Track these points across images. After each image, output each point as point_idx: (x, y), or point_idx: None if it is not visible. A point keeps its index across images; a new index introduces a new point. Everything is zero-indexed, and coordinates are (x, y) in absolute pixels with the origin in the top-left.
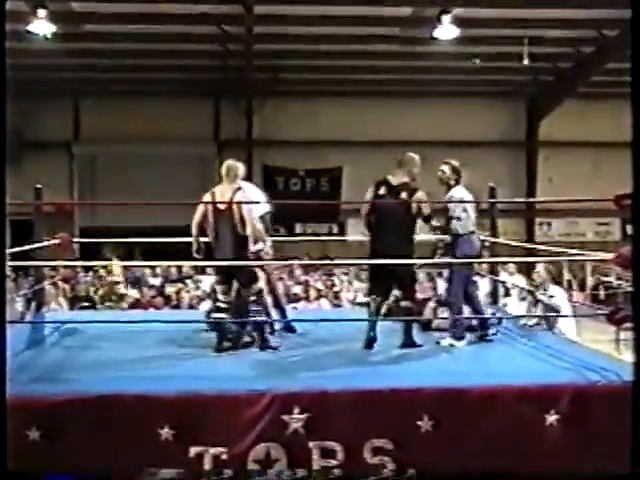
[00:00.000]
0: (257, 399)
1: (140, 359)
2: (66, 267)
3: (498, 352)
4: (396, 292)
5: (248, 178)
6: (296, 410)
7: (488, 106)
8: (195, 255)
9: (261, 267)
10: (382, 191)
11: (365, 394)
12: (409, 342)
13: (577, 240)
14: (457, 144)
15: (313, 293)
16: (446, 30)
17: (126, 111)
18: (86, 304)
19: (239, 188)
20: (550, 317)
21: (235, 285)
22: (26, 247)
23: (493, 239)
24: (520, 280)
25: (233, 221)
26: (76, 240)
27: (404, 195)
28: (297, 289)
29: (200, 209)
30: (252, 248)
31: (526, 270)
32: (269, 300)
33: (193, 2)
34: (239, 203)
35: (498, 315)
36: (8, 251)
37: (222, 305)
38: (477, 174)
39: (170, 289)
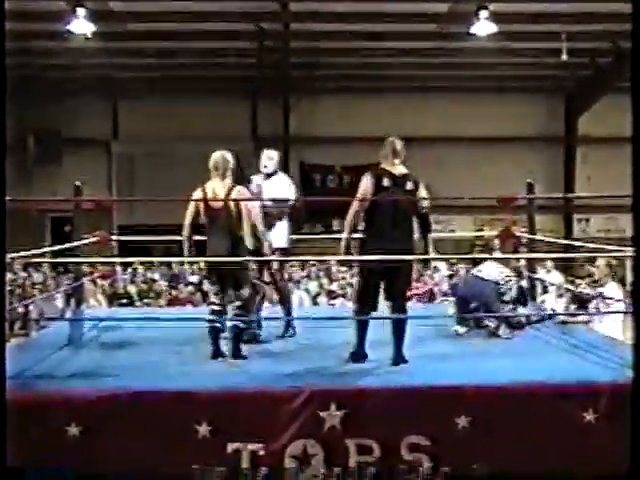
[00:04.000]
0: (294, 395)
1: (177, 356)
2: (104, 264)
3: (536, 349)
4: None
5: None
6: (333, 407)
7: (526, 102)
8: (186, 255)
9: (266, 266)
10: (386, 183)
11: (402, 391)
12: (401, 360)
13: (616, 236)
14: (495, 140)
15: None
16: (483, 26)
17: (164, 109)
18: (124, 301)
19: (234, 186)
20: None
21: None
22: (65, 245)
23: (530, 235)
24: (558, 277)
25: (228, 219)
26: (114, 237)
27: (410, 186)
28: (334, 286)
29: (191, 208)
30: (266, 247)
31: (563, 267)
32: (275, 297)
33: (229, 0)
34: (235, 201)
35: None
36: (48, 249)
37: (215, 308)
38: (515, 170)
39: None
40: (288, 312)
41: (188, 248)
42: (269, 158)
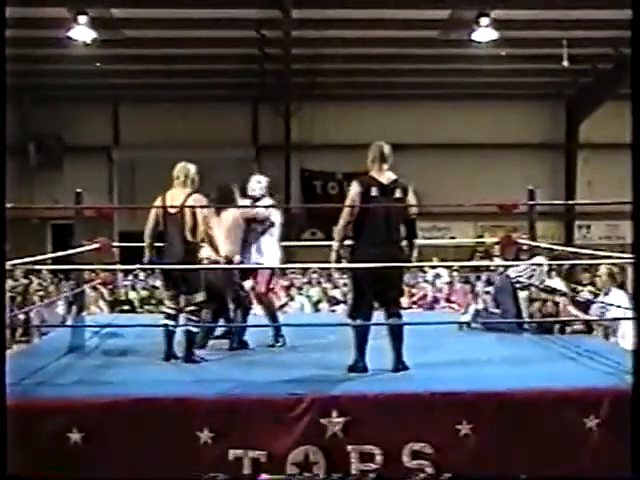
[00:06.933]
0: (296, 403)
1: (179, 362)
2: (106, 271)
3: (538, 355)
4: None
5: (286, 182)
6: (335, 414)
7: (527, 108)
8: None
9: (249, 274)
10: (374, 192)
11: (404, 398)
12: (402, 366)
13: (617, 243)
14: (496, 146)
15: None
16: (484, 33)
17: (165, 116)
18: (126, 307)
19: (191, 193)
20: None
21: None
22: (67, 252)
23: (531, 242)
24: (559, 283)
25: (183, 226)
26: (116, 244)
27: (398, 194)
28: (336, 293)
29: (152, 214)
30: (203, 254)
31: (565, 273)
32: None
33: (231, 7)
34: (192, 207)
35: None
36: (50, 255)
37: (170, 312)
38: (516, 176)
39: None
40: (274, 321)
41: (149, 258)
42: (257, 182)
